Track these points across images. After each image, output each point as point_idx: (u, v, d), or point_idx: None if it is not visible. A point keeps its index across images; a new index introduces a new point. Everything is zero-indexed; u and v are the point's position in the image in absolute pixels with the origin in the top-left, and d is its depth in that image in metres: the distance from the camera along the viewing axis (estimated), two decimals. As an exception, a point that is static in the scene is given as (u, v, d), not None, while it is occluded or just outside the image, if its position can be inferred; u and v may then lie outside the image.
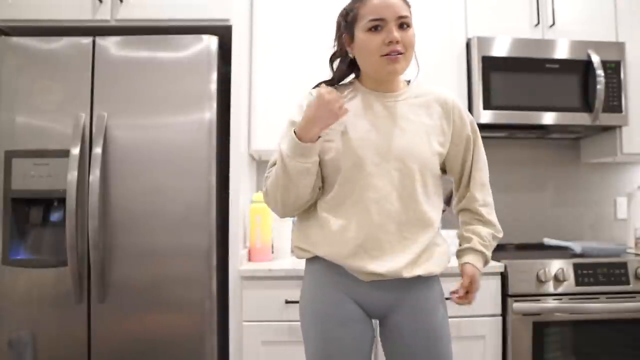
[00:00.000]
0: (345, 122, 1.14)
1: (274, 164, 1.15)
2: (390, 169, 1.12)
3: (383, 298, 1.14)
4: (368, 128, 1.14)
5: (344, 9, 1.18)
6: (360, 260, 1.10)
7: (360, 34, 1.13)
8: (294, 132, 1.09)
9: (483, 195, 1.24)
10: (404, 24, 1.11)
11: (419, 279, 1.13)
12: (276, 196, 1.14)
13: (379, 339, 1.22)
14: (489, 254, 1.23)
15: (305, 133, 1.07)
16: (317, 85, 1.21)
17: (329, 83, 1.21)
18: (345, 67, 1.22)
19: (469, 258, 1.20)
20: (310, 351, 1.16)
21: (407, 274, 1.10)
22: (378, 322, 1.20)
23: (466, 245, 1.22)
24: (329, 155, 1.14)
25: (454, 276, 1.27)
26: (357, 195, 1.12)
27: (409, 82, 1.24)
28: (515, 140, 2.41)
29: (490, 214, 1.25)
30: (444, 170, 1.25)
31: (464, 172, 1.24)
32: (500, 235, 1.26)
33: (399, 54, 1.10)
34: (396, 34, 1.09)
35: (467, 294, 1.19)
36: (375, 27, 1.11)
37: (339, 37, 1.20)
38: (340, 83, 1.23)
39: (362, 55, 1.16)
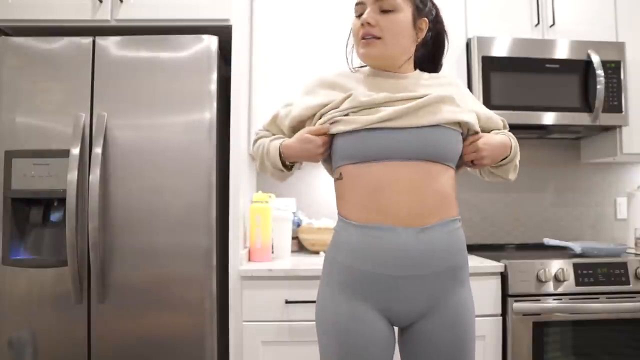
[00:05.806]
0: (349, 100, 1.11)
1: (267, 127, 1.28)
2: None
3: (414, 304, 1.06)
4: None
5: None
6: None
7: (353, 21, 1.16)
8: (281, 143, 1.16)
9: None
10: (385, 9, 1.07)
11: (451, 276, 1.07)
12: (256, 162, 1.26)
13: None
14: (515, 142, 1.19)
15: (287, 154, 1.16)
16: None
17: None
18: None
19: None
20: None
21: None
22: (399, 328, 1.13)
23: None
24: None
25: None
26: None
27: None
28: (515, 140, 2.40)
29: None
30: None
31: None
32: (515, 144, 1.21)
33: (372, 37, 1.08)
34: (367, 15, 1.07)
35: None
36: (360, 12, 1.11)
37: None
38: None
39: (353, 40, 1.18)
